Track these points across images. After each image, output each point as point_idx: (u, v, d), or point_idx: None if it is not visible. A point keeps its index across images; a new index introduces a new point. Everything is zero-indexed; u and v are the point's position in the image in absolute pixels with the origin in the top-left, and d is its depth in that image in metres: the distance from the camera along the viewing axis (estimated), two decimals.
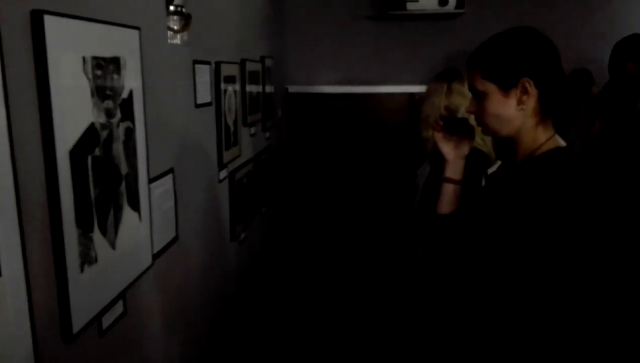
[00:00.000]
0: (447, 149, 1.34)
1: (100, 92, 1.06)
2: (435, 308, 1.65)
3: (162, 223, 1.47)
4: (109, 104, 1.10)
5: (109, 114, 1.10)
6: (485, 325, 1.23)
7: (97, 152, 1.06)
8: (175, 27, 1.85)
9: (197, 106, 1.77)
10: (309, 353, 2.80)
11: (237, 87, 2.27)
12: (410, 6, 3.27)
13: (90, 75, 1.02)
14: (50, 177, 0.91)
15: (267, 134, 3.02)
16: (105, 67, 1.08)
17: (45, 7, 0.89)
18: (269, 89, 3.00)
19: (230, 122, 2.15)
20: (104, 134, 1.09)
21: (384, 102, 3.71)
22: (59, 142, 0.92)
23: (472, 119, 1.30)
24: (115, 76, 1.13)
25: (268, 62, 2.95)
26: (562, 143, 1.18)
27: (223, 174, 2.10)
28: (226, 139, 2.09)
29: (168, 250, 1.52)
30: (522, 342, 1.16)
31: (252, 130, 2.62)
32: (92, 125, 1.03)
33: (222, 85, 2.02)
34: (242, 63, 2.38)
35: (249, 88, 2.49)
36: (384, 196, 3.72)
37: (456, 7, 3.25)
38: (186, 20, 1.89)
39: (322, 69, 3.71)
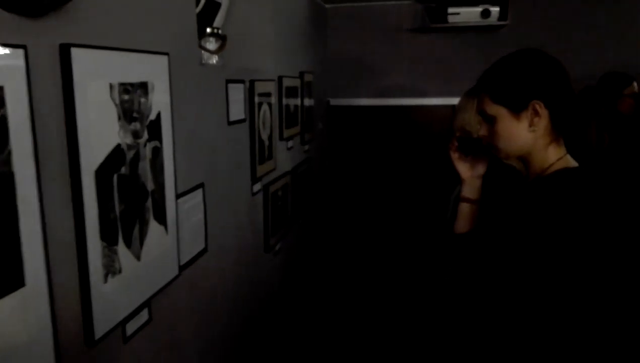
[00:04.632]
0: (463, 169, 1.35)
1: (127, 115, 1.15)
2: (456, 325, 1.64)
3: (191, 235, 1.55)
4: (136, 126, 1.19)
5: (136, 135, 1.19)
6: (501, 339, 1.24)
7: (123, 170, 1.14)
8: (211, 48, 1.95)
9: (230, 123, 1.85)
10: None
11: (273, 103, 2.34)
12: (452, 19, 3.25)
13: (117, 101, 1.10)
14: (75, 194, 0.99)
15: (307, 147, 3.09)
16: (132, 92, 1.16)
17: (75, 39, 0.98)
18: (308, 102, 3.07)
19: (264, 137, 2.22)
20: (130, 154, 1.17)
21: (425, 114, 3.69)
22: (85, 162, 1.00)
23: None
24: (143, 100, 1.21)
25: (307, 77, 3.02)
26: (573, 163, 1.18)
27: (257, 187, 2.17)
28: (260, 153, 2.16)
29: (196, 261, 1.60)
30: (541, 356, 1.17)
31: (290, 143, 2.69)
32: (119, 146, 1.12)
33: (256, 103, 2.09)
34: (279, 80, 2.45)
35: (286, 103, 2.56)
36: (424, 210, 3.69)
37: (499, 19, 3.20)
38: (222, 41, 1.99)
39: (364, 82, 3.74)
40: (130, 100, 1.16)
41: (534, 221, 1.12)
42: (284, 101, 2.52)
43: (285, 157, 2.59)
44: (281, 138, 2.51)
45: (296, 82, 2.77)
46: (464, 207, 1.36)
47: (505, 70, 1.19)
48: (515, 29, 3.32)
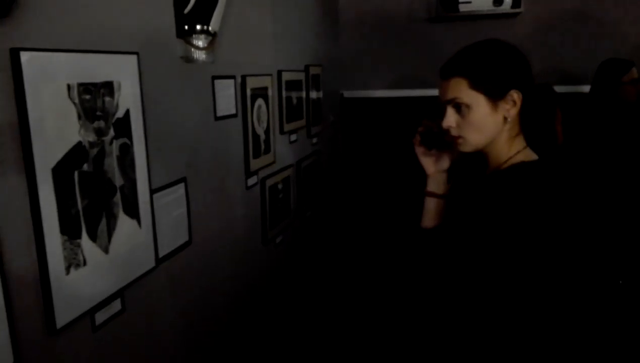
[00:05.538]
0: (427, 163, 1.34)
1: (89, 114, 1.19)
2: (429, 319, 1.65)
3: (171, 229, 1.60)
4: (100, 124, 1.23)
5: (100, 132, 1.24)
6: (468, 331, 1.24)
7: (85, 167, 1.19)
8: (201, 45, 1.98)
9: (217, 118, 1.89)
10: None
11: (271, 97, 2.36)
12: (463, 7, 3.18)
13: (76, 100, 1.15)
14: (31, 191, 1.05)
15: (314, 140, 3.10)
16: (95, 92, 1.21)
17: (29, 43, 1.03)
18: (315, 96, 3.07)
19: (260, 131, 2.25)
20: (93, 151, 1.22)
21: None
22: (40, 160, 1.05)
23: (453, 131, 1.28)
24: (108, 99, 1.26)
25: (314, 70, 3.02)
26: (533, 156, 1.16)
27: (252, 180, 2.20)
28: (255, 147, 2.19)
29: (178, 254, 1.64)
30: (511, 346, 1.17)
31: (293, 137, 2.71)
32: (79, 143, 1.17)
33: (249, 98, 2.12)
34: (279, 74, 2.47)
35: (288, 97, 2.58)
36: None
37: (512, 7, 3.11)
38: (212, 38, 2.02)
39: (377, 73, 3.71)
40: (93, 99, 1.20)
41: (489, 216, 1.11)
42: (285, 95, 2.54)
43: (286, 151, 2.62)
44: (282, 132, 2.53)
45: (300, 76, 2.78)
46: (430, 202, 1.35)
47: (486, 56, 1.17)
48: (529, 17, 3.21)
